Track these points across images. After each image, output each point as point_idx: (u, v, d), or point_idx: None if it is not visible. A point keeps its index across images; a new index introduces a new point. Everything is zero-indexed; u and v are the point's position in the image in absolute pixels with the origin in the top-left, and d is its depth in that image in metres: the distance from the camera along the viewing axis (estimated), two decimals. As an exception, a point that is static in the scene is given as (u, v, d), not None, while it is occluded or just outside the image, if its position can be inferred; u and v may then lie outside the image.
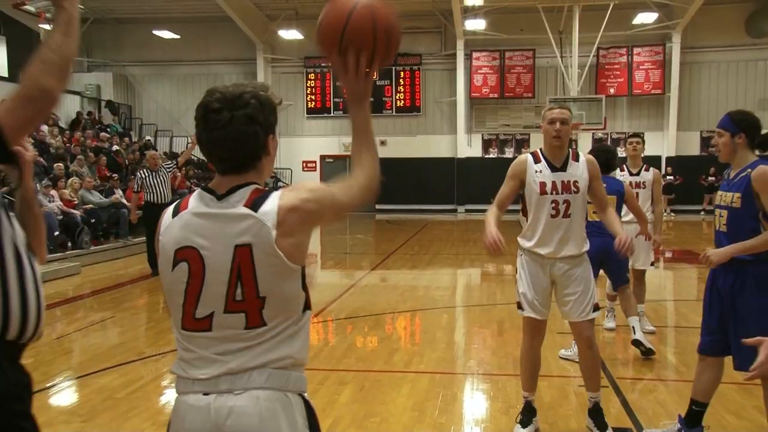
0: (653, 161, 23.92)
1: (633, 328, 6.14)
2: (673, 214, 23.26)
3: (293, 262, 1.89)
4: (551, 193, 4.24)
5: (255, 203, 1.89)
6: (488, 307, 8.71)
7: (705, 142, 24.55)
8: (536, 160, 4.33)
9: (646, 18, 22.59)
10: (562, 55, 23.15)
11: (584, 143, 24.57)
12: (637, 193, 6.67)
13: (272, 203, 1.89)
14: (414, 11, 24.58)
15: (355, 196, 2.04)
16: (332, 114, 26.40)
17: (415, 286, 10.37)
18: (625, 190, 6.08)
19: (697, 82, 24.55)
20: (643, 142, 7.19)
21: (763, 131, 3.92)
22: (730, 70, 24.27)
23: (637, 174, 6.93)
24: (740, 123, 3.87)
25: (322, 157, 26.75)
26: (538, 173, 4.28)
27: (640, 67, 24.59)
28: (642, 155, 6.99)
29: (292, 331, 1.93)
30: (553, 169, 4.28)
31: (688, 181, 23.22)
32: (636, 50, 24.46)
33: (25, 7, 15.13)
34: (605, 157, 5.81)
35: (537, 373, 4.58)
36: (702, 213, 23.22)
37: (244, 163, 1.96)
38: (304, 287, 1.96)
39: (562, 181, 4.24)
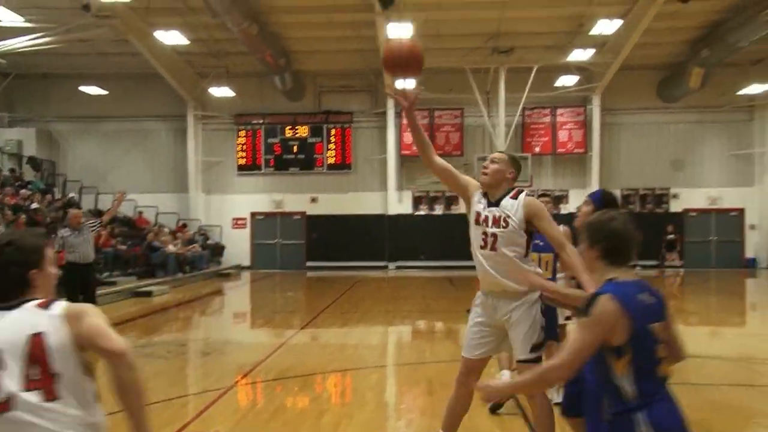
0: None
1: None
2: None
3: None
4: (482, 225, 4.47)
5: None
6: (417, 365, 8.65)
7: (625, 198, 25.49)
8: (481, 192, 4.60)
9: (567, 81, 23.58)
10: (490, 115, 23.85)
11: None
12: None
13: None
14: (345, 70, 25.02)
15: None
16: (263, 171, 26.31)
17: (345, 345, 10.25)
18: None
19: (617, 142, 25.62)
20: (553, 200, 7.63)
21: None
22: (646, 131, 25.45)
23: None
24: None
25: (253, 215, 26.51)
26: (477, 203, 4.56)
27: (564, 127, 25.54)
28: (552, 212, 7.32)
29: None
30: (489, 203, 4.52)
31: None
32: (559, 111, 25.44)
33: None
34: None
35: (457, 413, 4.63)
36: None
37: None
38: None
39: (494, 216, 4.44)
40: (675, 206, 25.46)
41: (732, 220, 25.22)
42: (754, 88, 22.99)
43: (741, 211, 25.16)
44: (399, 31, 18.87)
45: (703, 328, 13.06)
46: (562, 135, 25.55)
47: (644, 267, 23.94)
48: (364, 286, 19.85)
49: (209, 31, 20.05)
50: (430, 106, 25.39)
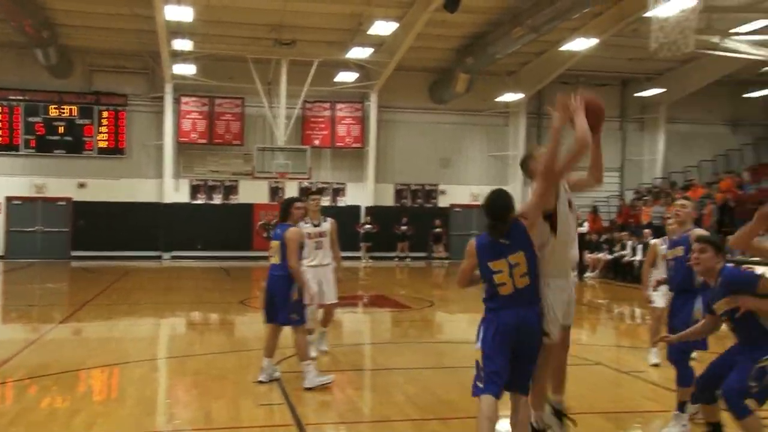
0: (354, 210, 25.77)
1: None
2: (370, 260, 24.84)
3: None
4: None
5: None
6: (185, 358, 8.38)
7: (399, 193, 26.75)
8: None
9: (347, 77, 24.18)
10: (271, 106, 23.73)
11: (291, 192, 25.28)
12: (321, 241, 7.94)
13: None
14: (120, 50, 23.50)
15: None
16: (21, 152, 23.90)
17: (109, 339, 9.64)
18: (286, 237, 6.70)
19: (392, 139, 26.77)
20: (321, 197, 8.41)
21: None
22: (419, 129, 26.89)
23: (318, 225, 8.01)
24: None
25: (9, 199, 23.98)
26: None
27: (342, 121, 26.16)
28: (319, 209, 8.08)
29: None
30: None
31: (383, 229, 24.96)
32: (339, 106, 26.00)
33: None
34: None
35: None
36: (396, 259, 25.11)
37: None
38: None
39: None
40: (442, 201, 27.19)
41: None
42: (509, 96, 25.26)
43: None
44: (177, 14, 18.13)
45: (464, 315, 14.03)
46: (341, 129, 26.16)
47: (414, 258, 25.33)
48: (135, 277, 18.83)
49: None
50: (211, 93, 24.70)
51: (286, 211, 6.89)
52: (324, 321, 8.33)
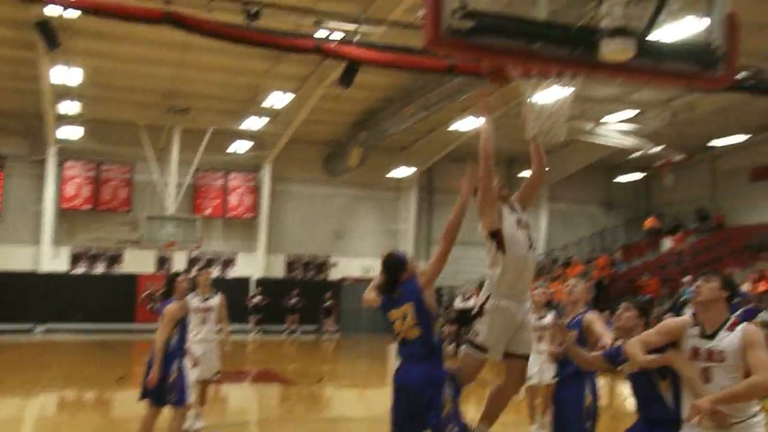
0: (243, 282, 25.20)
1: None
2: (260, 333, 24.21)
3: None
4: None
5: None
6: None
7: (290, 265, 26.48)
8: None
9: (241, 146, 24.08)
10: (162, 173, 23.18)
11: (180, 262, 24.53)
12: (207, 316, 8.07)
13: None
14: (1, 109, 22.45)
15: None
16: None
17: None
18: (163, 313, 6.73)
19: (285, 210, 26.66)
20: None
21: None
22: (312, 201, 26.95)
23: (207, 299, 8.13)
24: None
25: None
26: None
27: (235, 191, 25.85)
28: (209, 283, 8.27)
29: None
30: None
31: (273, 301, 24.47)
32: (232, 175, 25.72)
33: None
34: None
35: None
36: (286, 333, 24.60)
37: None
38: None
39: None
40: (334, 274, 27.09)
41: (381, 287, 27.55)
42: (401, 171, 25.90)
43: (389, 280, 27.65)
44: (65, 77, 17.62)
45: (353, 390, 13.86)
46: (233, 199, 25.81)
47: (304, 332, 24.85)
48: (1, 353, 17.46)
49: None
50: (98, 158, 23.87)
51: (170, 285, 6.84)
52: (200, 398, 8.15)
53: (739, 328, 3.81)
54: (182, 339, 6.71)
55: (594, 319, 5.34)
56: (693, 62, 4.86)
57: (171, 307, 6.62)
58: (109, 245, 24.36)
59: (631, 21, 4.38)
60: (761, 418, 3.84)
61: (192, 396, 7.49)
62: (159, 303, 6.89)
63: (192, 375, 7.29)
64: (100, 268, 24.27)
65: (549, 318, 7.47)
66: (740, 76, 11.66)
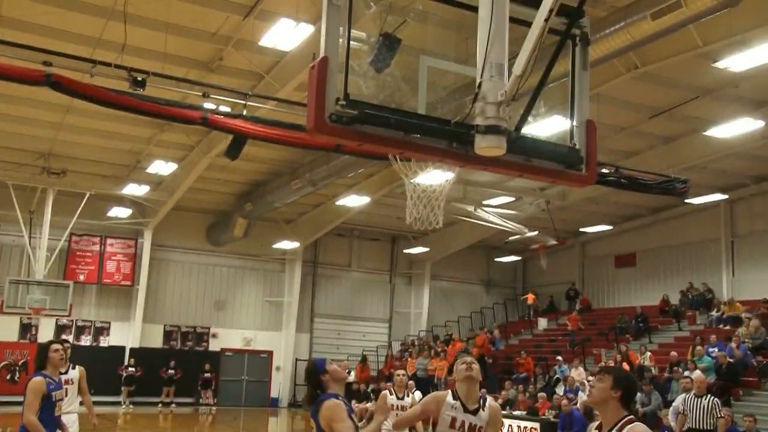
0: (118, 351, 23.84)
1: None
2: (132, 405, 22.87)
3: None
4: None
5: None
6: None
7: (168, 335, 25.35)
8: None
9: (120, 212, 23.17)
10: (31, 236, 21.83)
11: (46, 330, 22.98)
12: (67, 389, 7.67)
13: None
14: None
15: None
16: None
17: None
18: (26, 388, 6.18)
19: (165, 278, 25.69)
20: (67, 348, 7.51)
21: None
22: (194, 271, 26.17)
23: (66, 372, 7.80)
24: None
25: None
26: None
27: (113, 257, 24.70)
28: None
29: None
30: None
31: (149, 372, 23.31)
32: (110, 241, 24.61)
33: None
34: None
35: None
36: (160, 405, 23.33)
37: None
38: None
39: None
40: (214, 345, 26.16)
41: (262, 361, 26.89)
42: (286, 244, 25.72)
43: (270, 353, 27.03)
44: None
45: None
46: (110, 265, 24.64)
47: (180, 404, 23.71)
48: None
49: None
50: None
51: (44, 355, 6.30)
52: None
53: None
54: (48, 415, 6.21)
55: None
56: (559, 161, 5.16)
57: (33, 381, 6.11)
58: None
59: (503, 121, 4.62)
60: None
61: None
62: (28, 374, 6.39)
63: None
64: (-48, 335, 22.27)
65: (408, 399, 8.37)
66: (603, 170, 12.54)
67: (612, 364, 17.82)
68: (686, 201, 19.56)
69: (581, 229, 25.17)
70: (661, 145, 17.64)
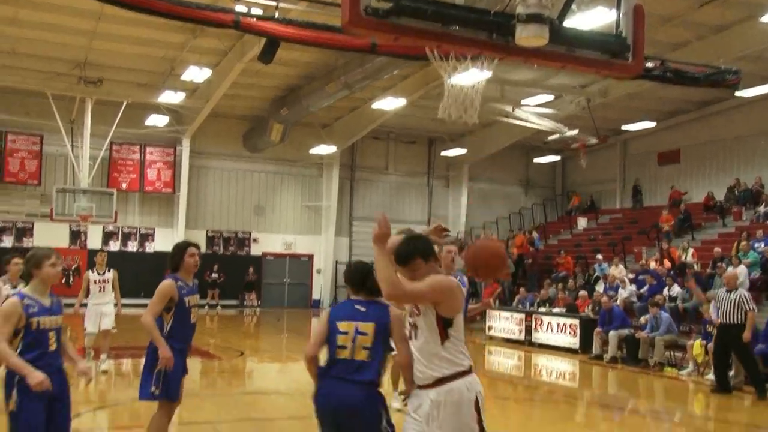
0: (163, 257, 24.53)
1: None
2: (221, 308, 24.31)
3: None
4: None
5: None
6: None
7: (210, 240, 26.04)
8: None
9: (158, 120, 23.35)
10: (74, 145, 22.28)
11: (94, 237, 23.83)
12: (105, 287, 10.74)
13: None
14: None
15: None
16: None
17: None
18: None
19: (204, 185, 26.16)
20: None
21: None
22: (233, 177, 26.55)
23: (103, 274, 10.75)
24: None
25: None
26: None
27: (153, 165, 25.14)
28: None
29: None
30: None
31: (194, 276, 24.09)
32: (149, 149, 24.98)
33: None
34: None
35: None
36: (206, 307, 24.27)
37: None
38: None
39: None
40: (255, 249, 26.85)
41: (302, 265, 27.58)
42: (323, 148, 25.77)
43: (310, 257, 27.68)
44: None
45: (274, 364, 13.85)
46: (151, 173, 25.12)
47: (225, 306, 24.66)
48: None
49: None
50: (3, 129, 22.72)
51: (179, 257, 5.66)
52: (102, 344, 10.59)
53: None
54: (182, 322, 5.66)
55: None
56: (604, 50, 5.03)
57: (166, 284, 5.55)
58: (18, 218, 23.33)
59: (545, 9, 4.48)
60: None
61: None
62: (167, 274, 5.68)
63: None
64: (7, 242, 23.23)
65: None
66: (648, 65, 12.12)
67: (653, 262, 17.88)
68: (736, 94, 18.79)
69: (623, 127, 24.60)
70: (711, 35, 16.87)
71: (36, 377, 4.18)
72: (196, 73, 19.32)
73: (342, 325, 4.08)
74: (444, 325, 3.64)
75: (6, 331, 4.28)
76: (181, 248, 5.72)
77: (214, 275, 24.70)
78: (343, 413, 3.94)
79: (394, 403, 8.24)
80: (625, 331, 13.96)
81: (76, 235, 24.06)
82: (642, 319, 14.04)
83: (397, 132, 27.97)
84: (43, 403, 4.32)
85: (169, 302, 5.46)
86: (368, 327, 4.05)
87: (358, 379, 3.97)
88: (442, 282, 3.70)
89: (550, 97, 21.11)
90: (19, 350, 4.32)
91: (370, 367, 4.01)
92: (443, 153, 28.54)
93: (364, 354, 4.02)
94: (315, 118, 24.37)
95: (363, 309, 4.12)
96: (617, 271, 17.57)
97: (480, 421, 3.63)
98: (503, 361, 13.93)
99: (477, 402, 3.64)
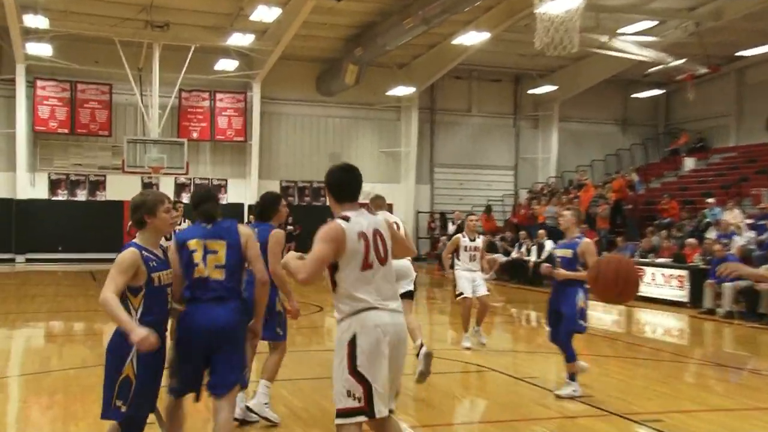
0: (236, 208, 25.24)
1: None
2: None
3: None
4: None
5: None
6: (40, 375, 7.91)
7: (284, 190, 26.47)
8: None
9: (227, 65, 23.63)
10: (142, 94, 22.88)
11: (166, 188, 24.54)
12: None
13: None
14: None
15: None
16: None
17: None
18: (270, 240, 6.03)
19: (277, 132, 26.48)
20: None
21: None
22: (306, 123, 26.76)
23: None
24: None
25: None
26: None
27: (223, 113, 25.58)
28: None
29: None
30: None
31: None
32: (219, 96, 25.41)
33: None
34: None
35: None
36: (282, 260, 24.84)
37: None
38: None
39: None
40: (331, 199, 27.08)
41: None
42: (401, 90, 25.57)
43: (390, 206, 27.76)
44: None
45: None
46: (222, 121, 25.58)
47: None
48: (-17, 285, 17.66)
49: None
50: (72, 78, 23.52)
51: (272, 208, 6.03)
52: None
53: None
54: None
55: (587, 246, 7.06)
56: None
57: (280, 233, 5.88)
58: (90, 171, 24.31)
59: None
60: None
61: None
62: (252, 223, 5.96)
63: None
64: (81, 196, 24.27)
65: (479, 241, 9.82)
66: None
67: (771, 205, 17.04)
68: None
69: (738, 53, 23.24)
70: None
71: (139, 333, 3.82)
72: (266, 13, 19.36)
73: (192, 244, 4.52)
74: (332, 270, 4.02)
75: (119, 282, 4.00)
76: (276, 200, 6.11)
77: (290, 227, 25.14)
78: (210, 334, 4.37)
79: (464, 342, 9.58)
80: (743, 283, 13.44)
81: (148, 188, 24.86)
82: (762, 269, 13.48)
83: (481, 70, 27.42)
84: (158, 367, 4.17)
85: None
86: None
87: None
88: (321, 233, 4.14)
89: (653, 23, 20.15)
90: (140, 313, 4.06)
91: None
92: (531, 91, 27.86)
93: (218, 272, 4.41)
94: (391, 57, 24.15)
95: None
96: (732, 215, 16.85)
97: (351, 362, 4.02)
98: (602, 316, 13.70)
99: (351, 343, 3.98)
